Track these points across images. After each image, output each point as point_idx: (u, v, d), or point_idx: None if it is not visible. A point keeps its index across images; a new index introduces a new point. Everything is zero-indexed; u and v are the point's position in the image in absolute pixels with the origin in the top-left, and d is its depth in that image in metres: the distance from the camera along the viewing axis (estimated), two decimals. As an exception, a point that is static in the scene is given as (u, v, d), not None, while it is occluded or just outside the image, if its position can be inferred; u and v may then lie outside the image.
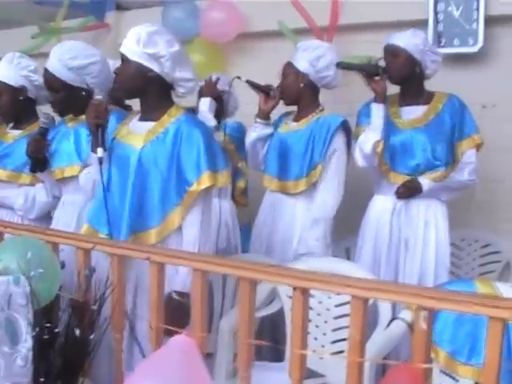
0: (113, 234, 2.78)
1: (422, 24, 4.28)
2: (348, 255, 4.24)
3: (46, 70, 3.38)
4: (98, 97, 2.91)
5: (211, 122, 3.99)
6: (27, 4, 5.75)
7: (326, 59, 3.81)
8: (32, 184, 3.59)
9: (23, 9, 5.90)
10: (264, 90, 3.88)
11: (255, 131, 3.88)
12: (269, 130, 3.88)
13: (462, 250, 4.34)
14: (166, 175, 2.79)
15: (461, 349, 2.79)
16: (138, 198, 2.79)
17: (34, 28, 5.92)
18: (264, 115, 3.87)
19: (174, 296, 2.67)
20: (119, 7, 6.07)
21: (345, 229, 3.91)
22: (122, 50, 2.84)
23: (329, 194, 3.70)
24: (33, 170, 3.47)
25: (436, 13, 4.40)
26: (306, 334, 2.04)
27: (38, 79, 3.60)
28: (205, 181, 2.76)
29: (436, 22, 4.39)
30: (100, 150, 2.83)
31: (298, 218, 3.77)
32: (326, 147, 3.69)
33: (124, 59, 2.84)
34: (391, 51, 3.65)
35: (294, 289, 1.99)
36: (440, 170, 3.61)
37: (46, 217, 3.64)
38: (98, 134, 2.86)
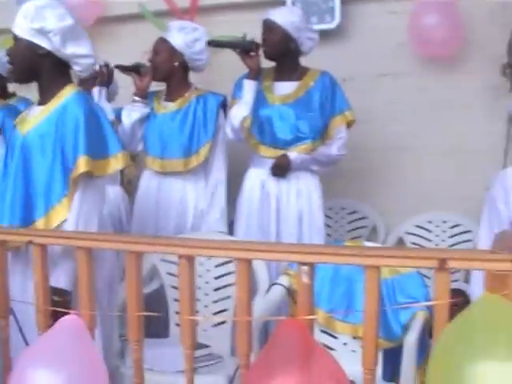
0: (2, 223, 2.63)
1: (280, 3, 4.40)
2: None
3: None
4: None
5: (108, 109, 3.87)
6: None
7: (202, 43, 3.87)
8: None
9: None
10: (135, 70, 3.87)
11: (137, 111, 3.84)
12: (148, 109, 3.88)
13: (330, 218, 4.53)
14: (50, 163, 2.60)
15: (337, 307, 2.95)
16: (21, 189, 2.63)
17: None
18: (142, 93, 3.85)
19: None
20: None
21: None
22: (13, 28, 2.66)
23: (221, 171, 3.85)
24: None
25: (295, -6, 4.54)
26: (195, 301, 2.11)
27: None
28: (81, 165, 2.56)
29: (294, 0, 4.53)
30: None
31: (190, 197, 3.86)
32: (213, 124, 3.81)
33: (15, 38, 2.67)
34: (268, 26, 3.73)
35: (180, 257, 2.05)
36: (306, 143, 3.74)
37: None
38: None
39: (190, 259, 2.04)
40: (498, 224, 2.66)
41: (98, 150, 2.62)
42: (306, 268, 1.86)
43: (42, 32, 2.59)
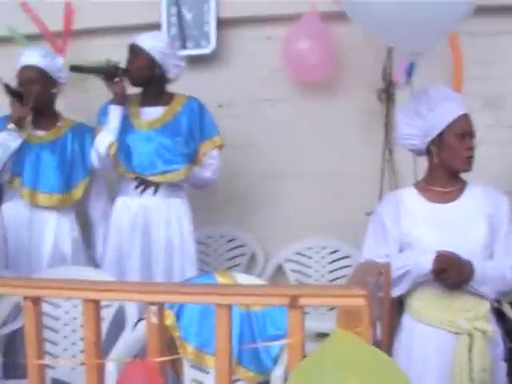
0: None
1: (155, 27, 4.32)
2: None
3: None
4: None
5: None
6: None
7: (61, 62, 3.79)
8: None
9: None
10: (19, 96, 3.58)
11: (14, 142, 3.60)
12: (21, 139, 3.65)
13: (209, 246, 4.46)
14: None
15: (207, 341, 2.86)
16: None
17: None
18: (21, 121, 3.59)
19: None
20: None
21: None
22: None
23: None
24: None
25: (169, 16, 4.47)
26: (43, 344, 1.98)
27: None
28: None
29: (169, 24, 4.46)
30: None
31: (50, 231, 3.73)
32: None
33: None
34: (133, 51, 3.65)
35: (25, 298, 1.93)
36: (179, 170, 3.64)
37: None
38: None
39: (35, 300, 1.92)
40: (384, 241, 2.69)
41: None
42: (154, 308, 1.77)
43: None
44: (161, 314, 1.77)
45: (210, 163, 3.74)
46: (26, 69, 3.71)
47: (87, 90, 3.95)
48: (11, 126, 3.61)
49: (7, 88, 3.62)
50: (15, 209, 3.74)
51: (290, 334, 1.72)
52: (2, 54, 4.85)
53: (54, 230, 3.73)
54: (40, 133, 3.77)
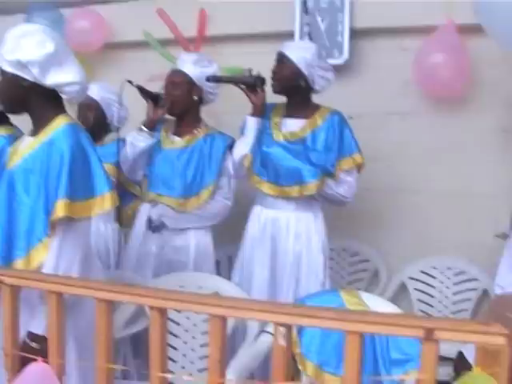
0: None
1: (288, 36, 4.30)
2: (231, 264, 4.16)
3: None
4: None
5: None
6: None
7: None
8: None
9: None
10: (154, 99, 3.68)
11: (142, 142, 3.67)
12: (153, 140, 3.71)
13: (332, 259, 4.38)
14: (34, 201, 2.43)
15: (328, 359, 2.80)
16: (4, 225, 2.46)
17: None
18: (152, 125, 3.67)
19: (27, 341, 2.43)
20: (-20, 14, 5.82)
21: (229, 236, 3.92)
22: None
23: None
24: None
25: (302, 25, 4.43)
26: (166, 356, 1.96)
27: None
28: (59, 210, 2.38)
29: (302, 34, 4.42)
30: None
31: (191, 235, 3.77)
32: (218, 168, 3.70)
33: (1, 71, 2.51)
34: (280, 60, 3.59)
35: (151, 308, 1.92)
36: (312, 183, 3.57)
37: None
38: None
39: (162, 311, 1.91)
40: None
41: (81, 190, 2.44)
42: (282, 330, 1.71)
43: (21, 64, 2.43)
44: (289, 337, 1.72)
45: (346, 180, 3.64)
46: (173, 72, 3.77)
47: (219, 94, 3.94)
48: (142, 126, 3.67)
49: (140, 90, 3.68)
50: (143, 213, 3.82)
51: (423, 368, 1.63)
52: (137, 57, 4.98)
53: None
54: (175, 139, 3.81)
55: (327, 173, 3.58)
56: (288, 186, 3.59)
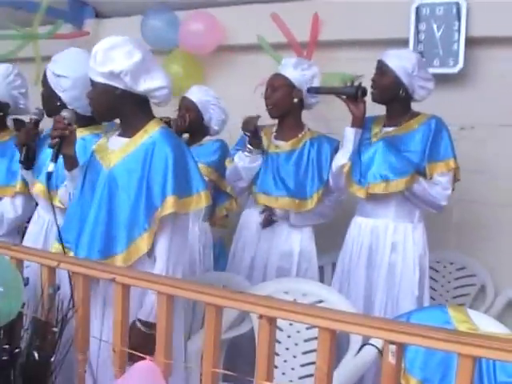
0: (79, 254, 2.63)
1: (402, 43, 4.24)
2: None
3: None
4: (65, 113, 2.78)
5: None
6: (6, 8, 5.68)
7: (318, 80, 3.77)
8: None
9: (3, 13, 5.83)
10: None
11: (256, 161, 3.77)
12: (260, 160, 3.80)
13: (437, 271, 4.30)
14: (134, 198, 2.58)
15: (432, 377, 2.74)
16: (104, 222, 2.61)
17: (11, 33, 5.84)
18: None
19: (138, 325, 2.54)
20: (98, 15, 6.00)
21: (330, 244, 3.91)
22: (89, 73, 2.67)
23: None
24: (23, 162, 3.26)
25: (417, 32, 4.37)
26: (273, 365, 1.97)
27: (26, 103, 3.54)
28: (168, 206, 2.54)
29: (417, 41, 4.36)
30: (52, 166, 2.68)
31: (295, 239, 3.79)
32: (327, 171, 3.69)
33: (91, 83, 2.68)
34: (380, 68, 3.54)
35: (260, 317, 1.93)
36: (397, 180, 3.46)
37: (17, 229, 3.58)
38: (56, 149, 2.71)
39: (271, 320, 1.92)
40: None
41: (184, 188, 2.60)
42: (393, 347, 1.69)
43: (113, 74, 2.58)
44: (399, 355, 1.70)
45: (440, 181, 3.50)
46: (274, 76, 3.80)
47: (328, 100, 3.92)
48: (250, 147, 3.71)
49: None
50: (250, 215, 3.86)
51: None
52: (249, 61, 5.03)
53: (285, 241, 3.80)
54: (279, 143, 3.82)
55: (418, 172, 3.49)
56: (379, 183, 3.50)
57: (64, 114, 2.77)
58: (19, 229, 3.61)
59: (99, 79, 2.61)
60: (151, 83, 2.62)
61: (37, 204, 3.44)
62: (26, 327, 2.52)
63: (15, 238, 3.49)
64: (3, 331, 2.40)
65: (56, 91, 3.15)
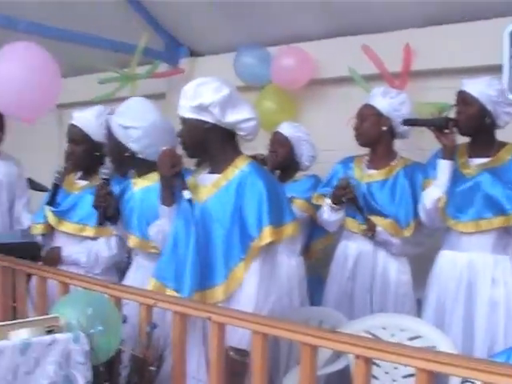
0: (179, 291, 2.70)
1: (496, 70, 4.15)
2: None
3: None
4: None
5: None
6: (105, 51, 5.88)
7: (408, 107, 3.77)
8: (95, 238, 3.58)
9: (101, 55, 6.04)
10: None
11: (338, 214, 3.83)
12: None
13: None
14: (229, 230, 2.68)
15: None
16: (202, 255, 2.69)
17: (109, 74, 6.03)
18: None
19: (230, 353, 2.54)
20: (193, 53, 6.14)
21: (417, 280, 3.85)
22: (179, 111, 2.80)
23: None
24: (100, 223, 3.40)
25: (511, 58, 4.26)
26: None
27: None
28: (266, 236, 2.64)
29: (511, 67, 4.25)
30: (187, 192, 2.76)
31: (392, 267, 3.79)
32: None
33: (181, 120, 2.81)
34: (463, 99, 3.47)
35: (357, 357, 1.90)
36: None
37: (114, 268, 3.66)
38: (178, 181, 2.82)
39: (367, 361, 1.89)
40: None
41: (278, 218, 2.69)
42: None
43: (202, 108, 2.71)
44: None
45: None
46: (363, 106, 3.85)
47: (422, 129, 3.87)
48: (331, 204, 3.75)
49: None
50: (345, 247, 3.86)
51: None
52: (342, 94, 5.02)
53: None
54: (372, 172, 3.81)
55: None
56: (487, 218, 3.40)
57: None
58: (117, 266, 3.70)
59: (189, 114, 2.75)
60: (238, 115, 2.75)
61: None
62: (125, 364, 2.57)
63: (113, 276, 3.57)
64: (103, 368, 2.45)
65: (123, 143, 3.25)
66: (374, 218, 3.75)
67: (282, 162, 4.12)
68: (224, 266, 2.67)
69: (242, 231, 2.67)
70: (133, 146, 3.25)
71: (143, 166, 3.30)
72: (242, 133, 2.81)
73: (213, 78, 2.79)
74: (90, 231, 3.58)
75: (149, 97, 5.98)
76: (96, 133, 3.57)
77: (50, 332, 2.28)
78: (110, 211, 3.36)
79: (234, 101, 2.76)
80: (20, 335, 2.22)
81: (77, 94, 6.04)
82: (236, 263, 2.66)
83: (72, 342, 2.25)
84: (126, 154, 3.26)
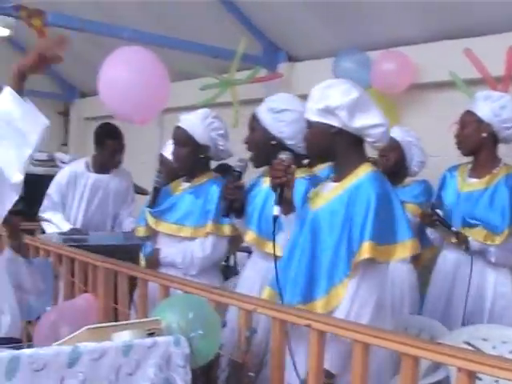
0: (284, 298, 2.59)
1: None
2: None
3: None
4: (284, 155, 2.72)
5: None
6: (204, 56, 5.98)
7: (509, 111, 3.65)
8: (193, 238, 3.57)
9: (201, 61, 6.15)
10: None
11: None
12: None
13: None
14: (336, 241, 2.52)
15: None
16: (307, 266, 2.58)
17: (209, 80, 6.13)
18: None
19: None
20: (291, 58, 6.17)
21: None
22: (305, 113, 2.68)
23: None
24: (224, 215, 3.28)
25: None
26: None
27: (225, 144, 3.62)
28: (364, 251, 2.45)
29: None
30: (276, 209, 2.66)
31: (490, 279, 3.69)
32: None
33: (307, 123, 2.68)
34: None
35: (459, 370, 1.86)
36: None
37: (216, 269, 3.71)
38: (279, 192, 2.67)
39: (470, 374, 1.84)
40: None
41: (385, 235, 2.49)
42: None
43: (329, 110, 2.57)
44: None
45: None
46: (464, 113, 3.76)
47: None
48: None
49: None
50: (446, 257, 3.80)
51: None
52: (443, 98, 4.94)
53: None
54: (473, 181, 3.74)
55: None
56: None
57: (283, 156, 2.73)
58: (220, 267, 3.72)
59: (315, 118, 2.62)
60: (367, 120, 2.58)
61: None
62: (223, 369, 2.59)
63: (215, 278, 3.59)
64: (201, 371, 2.47)
65: (271, 131, 3.16)
66: (466, 230, 3.66)
67: (393, 167, 4.06)
68: (327, 281, 2.53)
69: (349, 245, 2.51)
70: (285, 131, 3.12)
71: None
72: (369, 139, 2.63)
73: (342, 80, 2.68)
74: (186, 232, 3.58)
75: (247, 102, 6.16)
76: (201, 135, 3.56)
77: (151, 334, 2.32)
78: (236, 205, 3.23)
79: (363, 105, 2.59)
80: (122, 337, 2.26)
81: (177, 98, 6.12)
82: (340, 279, 2.50)
83: (173, 345, 2.28)
84: (273, 143, 3.13)
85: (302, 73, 5.92)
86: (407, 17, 5.08)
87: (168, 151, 4.15)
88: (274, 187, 2.70)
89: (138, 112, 4.12)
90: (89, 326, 2.29)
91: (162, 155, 4.29)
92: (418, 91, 5.14)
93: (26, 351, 2.00)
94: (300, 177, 3.02)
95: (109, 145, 4.77)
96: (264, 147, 3.17)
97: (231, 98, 6.09)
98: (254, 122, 3.23)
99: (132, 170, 5.07)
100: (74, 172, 4.87)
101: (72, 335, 2.27)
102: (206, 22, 6.11)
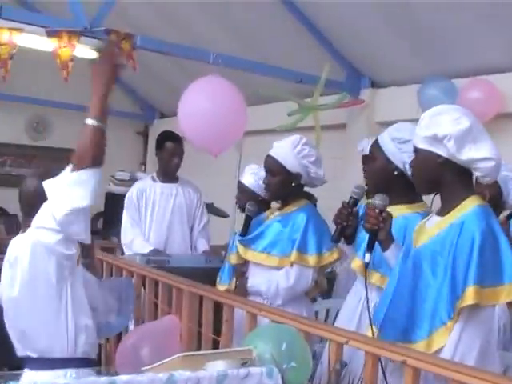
0: (382, 334, 2.51)
1: None
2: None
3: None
4: (378, 201, 2.65)
5: None
6: (287, 81, 6.01)
7: None
8: (280, 267, 3.52)
9: (283, 85, 6.18)
10: None
11: None
12: None
13: None
14: (439, 284, 2.38)
15: None
16: (406, 305, 2.47)
17: (290, 104, 6.13)
18: None
19: None
20: (374, 84, 6.13)
21: None
22: (413, 140, 2.57)
23: None
24: (334, 240, 3.18)
25: None
26: None
27: (317, 171, 3.58)
28: (468, 297, 2.30)
29: None
30: (367, 256, 2.61)
31: None
32: None
33: (414, 149, 2.57)
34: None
35: None
36: None
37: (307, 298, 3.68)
38: (371, 238, 2.63)
39: None
40: None
41: (490, 276, 2.33)
42: None
43: (436, 139, 2.44)
44: None
45: None
46: None
47: None
48: None
49: None
50: None
51: None
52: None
53: None
54: None
55: None
56: None
57: (376, 202, 2.66)
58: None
59: (422, 145, 2.50)
60: (476, 153, 2.41)
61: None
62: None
63: (301, 308, 3.54)
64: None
65: (394, 161, 3.00)
66: None
67: (489, 201, 3.95)
68: (429, 323, 2.39)
69: (452, 288, 2.35)
70: (408, 162, 2.87)
71: (407, 189, 2.98)
72: (478, 173, 2.46)
73: (454, 107, 2.54)
74: (273, 261, 3.55)
75: (329, 127, 6.15)
76: (292, 163, 3.53)
77: (243, 364, 2.31)
78: (348, 231, 3.13)
79: (474, 136, 2.43)
80: (216, 366, 2.25)
81: (257, 122, 6.17)
82: (444, 322, 2.37)
83: (266, 377, 2.25)
84: (395, 173, 3.00)
85: (384, 99, 5.87)
86: (494, 44, 5.00)
87: (246, 178, 4.17)
88: (367, 232, 2.66)
89: (212, 143, 4.20)
90: (183, 354, 2.29)
91: (240, 182, 4.28)
92: (505, 120, 5.03)
93: (123, 377, 2.02)
94: (414, 212, 2.96)
95: (168, 147, 4.84)
96: (384, 177, 3.06)
97: (312, 123, 6.07)
98: (376, 151, 3.11)
99: (209, 192, 5.10)
100: (142, 186, 4.97)
101: (165, 361, 2.28)
102: (290, 48, 6.13)
